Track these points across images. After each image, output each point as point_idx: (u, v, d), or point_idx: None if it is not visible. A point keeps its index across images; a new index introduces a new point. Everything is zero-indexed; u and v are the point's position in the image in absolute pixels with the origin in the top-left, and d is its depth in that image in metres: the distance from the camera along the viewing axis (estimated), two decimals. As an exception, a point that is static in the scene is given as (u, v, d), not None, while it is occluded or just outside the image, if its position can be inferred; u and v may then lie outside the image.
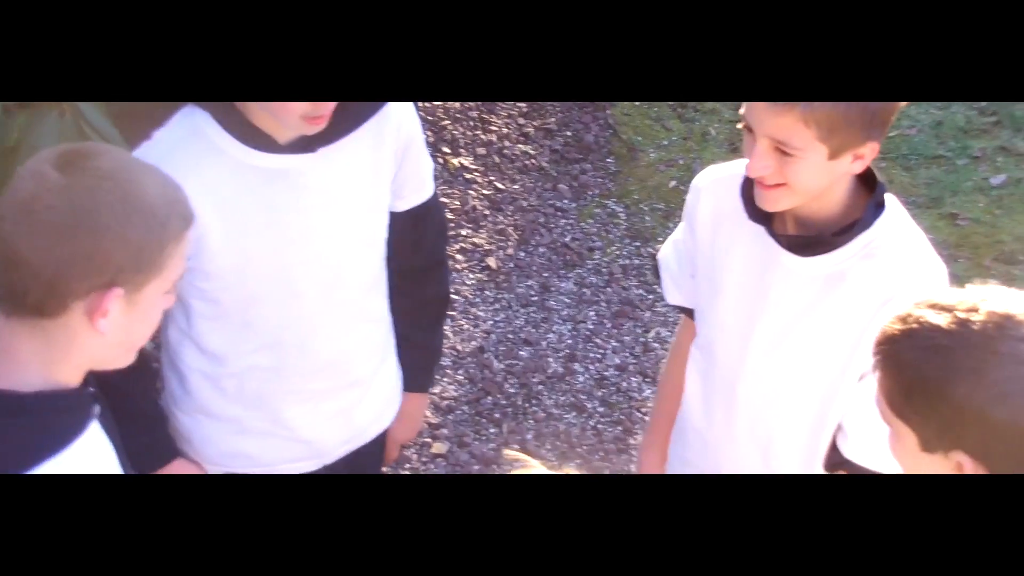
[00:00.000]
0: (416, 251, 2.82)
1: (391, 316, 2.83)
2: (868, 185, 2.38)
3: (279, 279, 2.56)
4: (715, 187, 2.56)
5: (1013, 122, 6.24)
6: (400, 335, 2.88)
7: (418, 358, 2.96)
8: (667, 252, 2.74)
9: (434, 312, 3.00)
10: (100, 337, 1.87)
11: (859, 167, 2.31)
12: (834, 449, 2.48)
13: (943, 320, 1.77)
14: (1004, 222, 5.54)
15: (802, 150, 2.23)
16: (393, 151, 2.62)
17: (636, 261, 5.45)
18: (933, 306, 1.80)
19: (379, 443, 2.93)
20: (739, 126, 2.34)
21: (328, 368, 2.70)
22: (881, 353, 1.84)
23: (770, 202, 2.34)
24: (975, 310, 1.76)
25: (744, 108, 2.28)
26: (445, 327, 5.02)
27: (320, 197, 2.54)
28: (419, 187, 2.77)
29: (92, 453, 1.93)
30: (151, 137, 2.52)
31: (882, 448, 2.40)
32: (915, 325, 1.79)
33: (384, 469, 3.16)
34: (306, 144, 2.49)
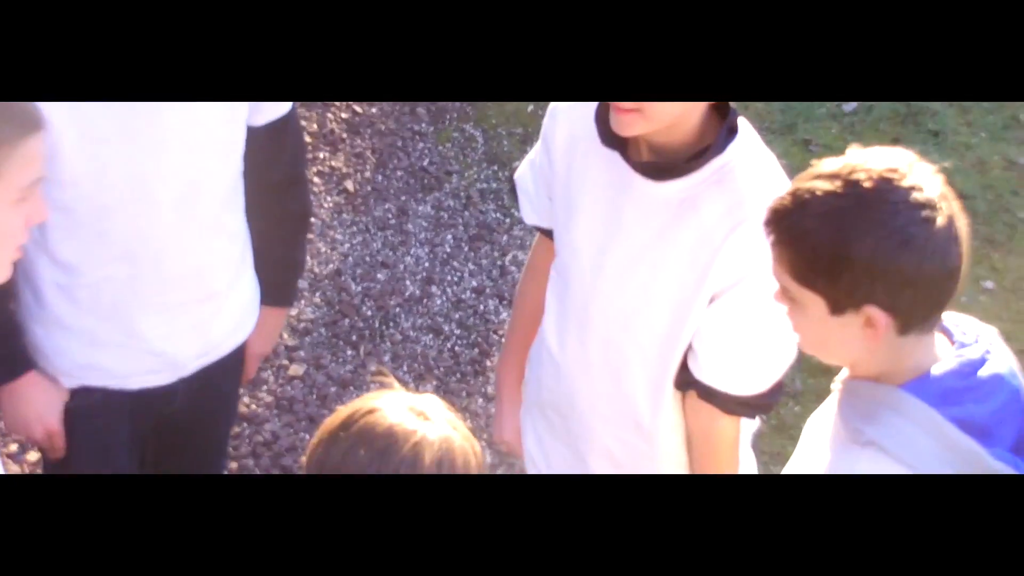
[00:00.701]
0: (274, 166, 2.79)
1: (250, 232, 2.81)
2: (720, 111, 2.40)
3: (134, 189, 2.52)
4: (571, 111, 2.56)
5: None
6: (259, 250, 2.86)
7: (279, 273, 2.96)
8: (524, 173, 2.75)
9: (294, 228, 2.99)
10: None
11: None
12: (684, 369, 2.51)
13: (833, 185, 1.86)
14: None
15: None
16: None
17: (494, 185, 5.45)
18: (818, 176, 1.89)
19: (235, 357, 2.92)
20: None
21: (183, 280, 2.67)
22: (777, 229, 1.92)
23: (625, 127, 2.34)
24: (860, 170, 1.85)
25: None
26: (302, 250, 4.99)
27: (177, 108, 2.50)
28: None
29: None
30: None
31: (731, 368, 2.46)
32: (807, 195, 1.88)
33: (241, 388, 3.14)
34: None
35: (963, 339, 1.97)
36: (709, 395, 2.49)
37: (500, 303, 4.85)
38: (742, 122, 2.42)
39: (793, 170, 2.48)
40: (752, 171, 2.40)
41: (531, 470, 2.86)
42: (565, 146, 2.56)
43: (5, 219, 1.88)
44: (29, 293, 2.67)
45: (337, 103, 5.73)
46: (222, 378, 2.91)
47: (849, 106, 5.86)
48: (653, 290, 2.46)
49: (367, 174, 5.46)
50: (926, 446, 1.87)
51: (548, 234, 2.71)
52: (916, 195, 1.83)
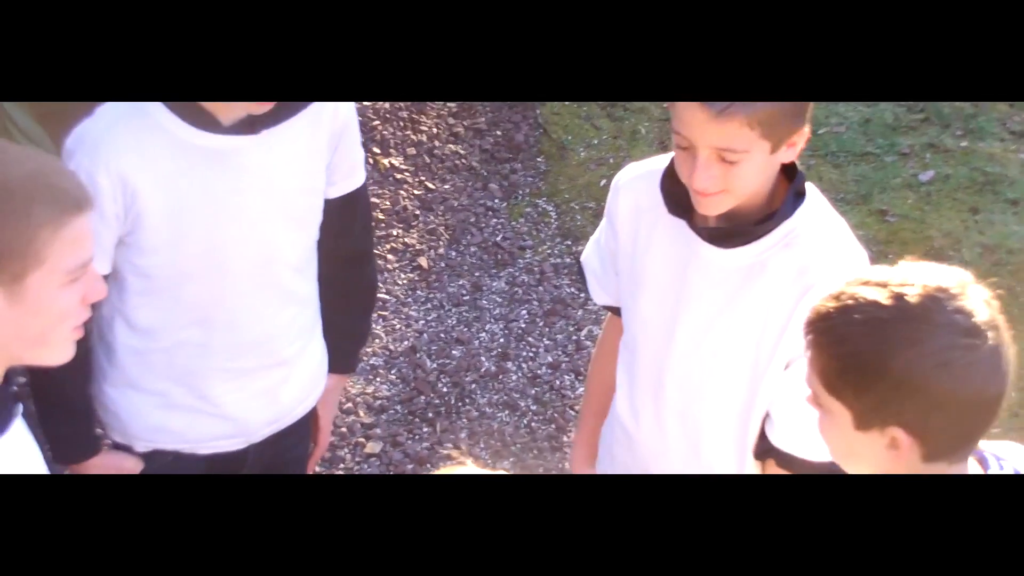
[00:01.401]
0: (345, 238, 2.83)
1: (320, 302, 2.84)
2: (788, 175, 2.39)
3: (212, 257, 2.57)
4: (634, 184, 2.56)
5: (940, 118, 6.29)
6: (328, 320, 2.89)
7: (345, 343, 2.99)
8: (590, 253, 2.75)
9: (362, 300, 3.04)
10: None
11: (792, 155, 2.32)
12: (763, 438, 2.48)
13: (879, 295, 1.79)
14: (932, 218, 5.58)
15: (748, 152, 2.23)
16: (329, 136, 2.65)
17: (567, 260, 5.45)
18: (866, 283, 1.82)
19: (304, 424, 2.94)
20: (675, 143, 2.32)
21: (255, 347, 2.71)
22: (814, 331, 1.86)
23: (714, 207, 2.34)
24: (909, 284, 1.79)
25: (678, 125, 2.26)
26: (377, 327, 5.01)
27: (258, 178, 2.55)
28: (351, 173, 2.79)
29: (15, 453, 1.90)
30: (92, 112, 2.51)
31: (809, 434, 2.42)
32: (850, 301, 1.81)
33: (317, 468, 3.15)
34: (249, 126, 2.50)
35: (996, 471, 1.88)
36: (787, 462, 2.46)
37: (576, 378, 4.83)
38: (809, 186, 2.41)
39: (869, 240, 2.46)
40: (820, 235, 2.39)
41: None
42: (629, 218, 2.55)
43: (56, 302, 1.87)
44: (103, 355, 2.72)
45: (410, 180, 5.77)
46: (291, 445, 2.93)
47: (925, 175, 5.82)
48: (725, 358, 2.44)
49: (440, 250, 5.49)
50: None
51: (618, 312, 2.70)
52: (962, 318, 1.76)
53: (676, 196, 2.43)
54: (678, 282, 2.47)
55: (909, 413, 1.78)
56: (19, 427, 1.92)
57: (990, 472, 1.88)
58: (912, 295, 1.77)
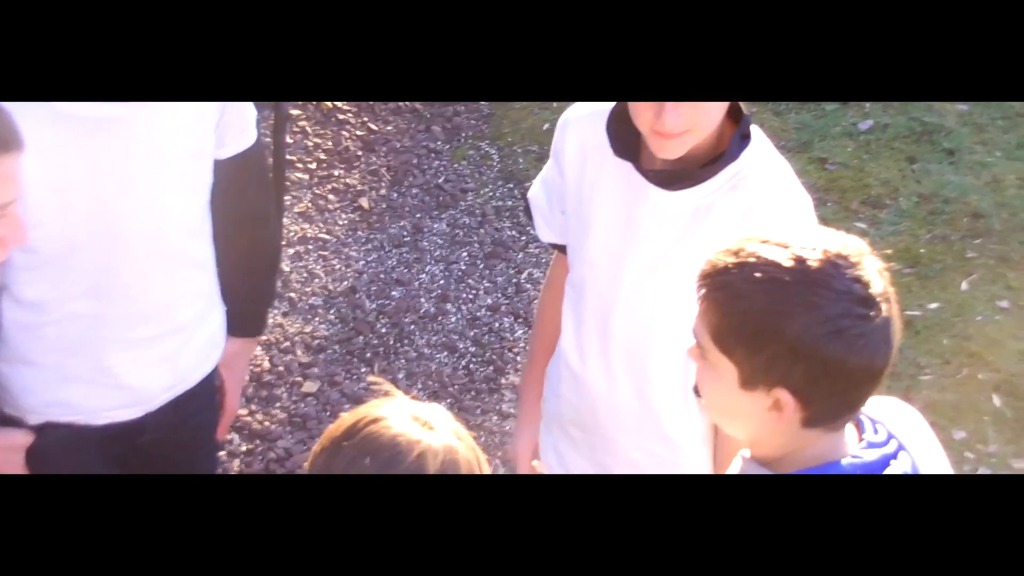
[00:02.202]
0: (241, 199, 2.76)
1: (219, 264, 2.78)
2: (734, 117, 2.39)
3: (102, 226, 2.49)
4: (581, 123, 2.55)
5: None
6: (230, 284, 2.83)
7: (248, 304, 2.94)
8: (537, 190, 2.74)
9: (264, 262, 2.98)
10: None
11: None
12: None
13: (780, 255, 1.76)
14: (871, 166, 5.62)
15: None
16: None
17: (509, 203, 5.45)
18: (766, 242, 1.79)
19: (205, 388, 2.87)
20: None
21: (152, 315, 2.64)
22: (710, 285, 1.82)
23: (678, 149, 2.32)
24: (811, 247, 1.76)
25: None
26: (317, 267, 4.99)
27: (145, 146, 2.48)
28: (241, 133, 2.71)
29: None
30: None
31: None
32: (750, 259, 1.78)
33: (254, 406, 3.12)
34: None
35: (872, 438, 1.87)
36: None
37: (515, 321, 4.84)
38: (754, 129, 2.41)
39: (809, 188, 2.47)
40: (767, 176, 2.39)
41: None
42: (576, 158, 2.55)
43: None
44: None
45: (352, 121, 5.74)
46: (193, 410, 2.86)
47: (865, 124, 5.86)
48: (672, 298, 2.45)
49: (382, 191, 5.47)
50: None
51: (564, 251, 2.70)
52: (859, 287, 1.75)
53: (623, 138, 2.43)
54: (625, 223, 2.47)
55: (798, 377, 1.76)
56: None
57: (864, 436, 1.87)
58: (813, 259, 1.75)
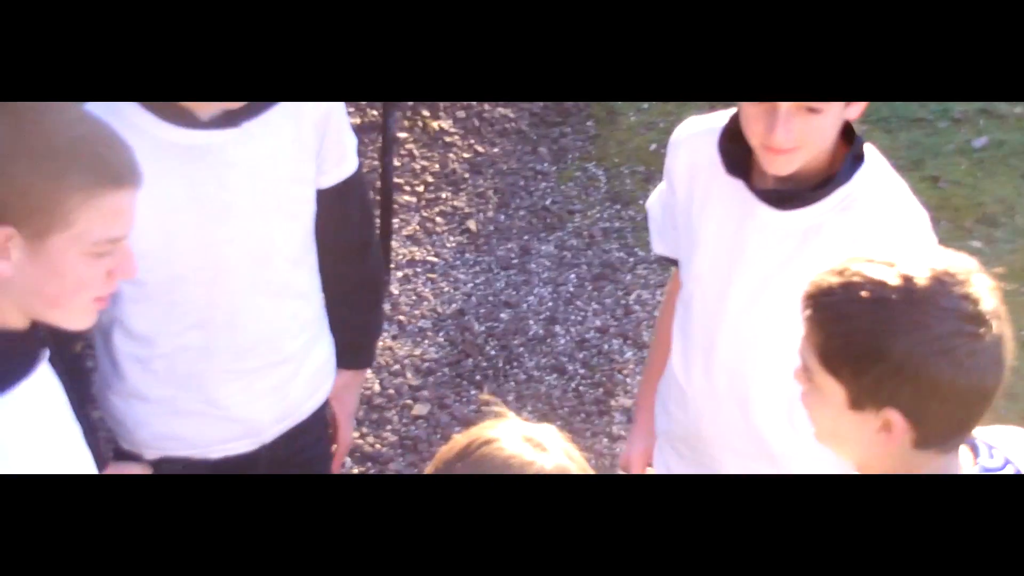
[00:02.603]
0: (343, 228, 2.76)
1: (325, 296, 2.79)
2: (847, 139, 2.37)
3: (204, 257, 2.51)
4: (691, 141, 2.55)
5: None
6: (335, 315, 2.84)
7: (355, 336, 2.93)
8: (654, 201, 2.75)
9: (368, 293, 2.97)
10: (9, 279, 1.82)
11: (857, 112, 2.30)
12: None
13: (885, 274, 1.75)
14: (985, 184, 5.53)
15: (830, 104, 2.21)
16: (313, 123, 2.57)
17: (616, 224, 5.44)
18: (871, 261, 1.78)
19: (317, 420, 2.87)
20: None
21: (258, 345, 2.65)
22: (815, 305, 1.81)
23: (787, 166, 2.31)
24: (918, 266, 1.75)
25: None
26: (426, 290, 5.02)
27: (244, 172, 2.49)
28: (340, 161, 2.71)
29: (40, 395, 1.90)
30: None
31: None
32: (855, 278, 1.77)
33: (348, 449, 3.12)
34: (229, 119, 2.44)
35: (986, 462, 1.84)
36: None
37: (624, 342, 4.83)
38: (869, 149, 2.39)
39: (922, 207, 2.44)
40: (879, 198, 2.37)
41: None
42: (686, 176, 2.55)
43: (76, 268, 1.86)
44: (108, 365, 2.67)
45: (459, 143, 5.77)
46: (305, 443, 2.86)
47: (979, 141, 5.77)
48: (778, 319, 2.43)
49: (489, 214, 5.49)
50: None
51: (677, 264, 2.70)
52: (967, 305, 1.72)
53: (735, 156, 2.42)
54: (733, 242, 2.46)
55: (906, 397, 1.74)
56: (44, 371, 1.93)
57: (979, 460, 1.84)
58: (920, 278, 1.73)
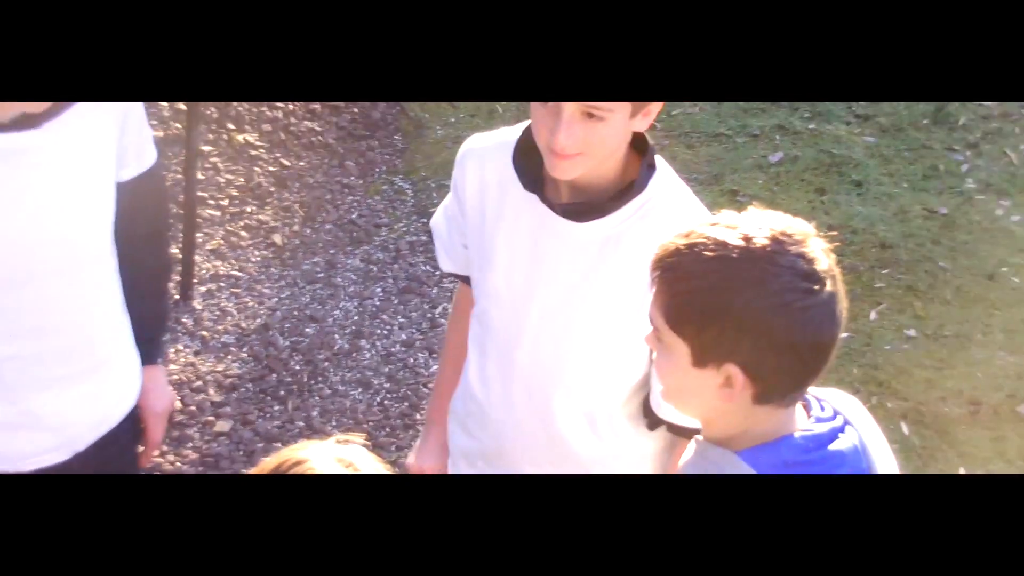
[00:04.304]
0: (139, 219, 2.71)
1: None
2: (640, 148, 2.41)
3: (12, 263, 2.43)
4: (481, 156, 2.55)
5: (789, 101, 6.41)
6: (131, 309, 2.77)
7: (152, 329, 2.87)
8: (439, 220, 2.74)
9: (157, 282, 2.91)
10: None
11: (646, 124, 2.34)
12: (651, 412, 2.51)
13: (728, 235, 1.84)
14: (781, 198, 5.69)
15: (612, 111, 2.24)
16: (113, 118, 2.53)
17: (423, 237, 5.45)
18: (715, 224, 1.87)
19: (127, 427, 2.80)
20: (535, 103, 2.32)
21: (72, 350, 2.58)
22: (661, 267, 1.89)
23: (569, 170, 2.33)
24: (758, 228, 1.84)
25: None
26: (230, 305, 4.96)
27: (49, 173, 2.42)
28: (140, 153, 2.68)
29: None
30: None
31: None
32: (700, 239, 1.85)
33: (158, 449, 3.07)
34: (29, 121, 2.37)
35: (820, 414, 1.94)
36: (678, 431, 2.49)
37: (430, 356, 4.83)
38: (657, 158, 2.43)
39: (720, 220, 2.50)
40: (675, 205, 2.41)
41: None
42: (476, 191, 2.55)
43: None
44: None
45: (264, 156, 5.72)
46: (116, 450, 2.78)
47: (775, 156, 5.93)
48: (580, 330, 2.46)
49: (295, 227, 5.45)
50: None
51: (467, 281, 2.70)
52: (803, 263, 1.82)
53: (529, 171, 2.44)
54: (531, 257, 2.48)
55: (746, 352, 1.82)
56: None
57: (812, 413, 1.93)
58: (759, 238, 1.82)
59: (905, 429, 4.52)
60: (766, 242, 1.82)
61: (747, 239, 1.82)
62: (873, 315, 5.06)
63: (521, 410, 2.58)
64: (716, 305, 1.82)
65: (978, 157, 5.93)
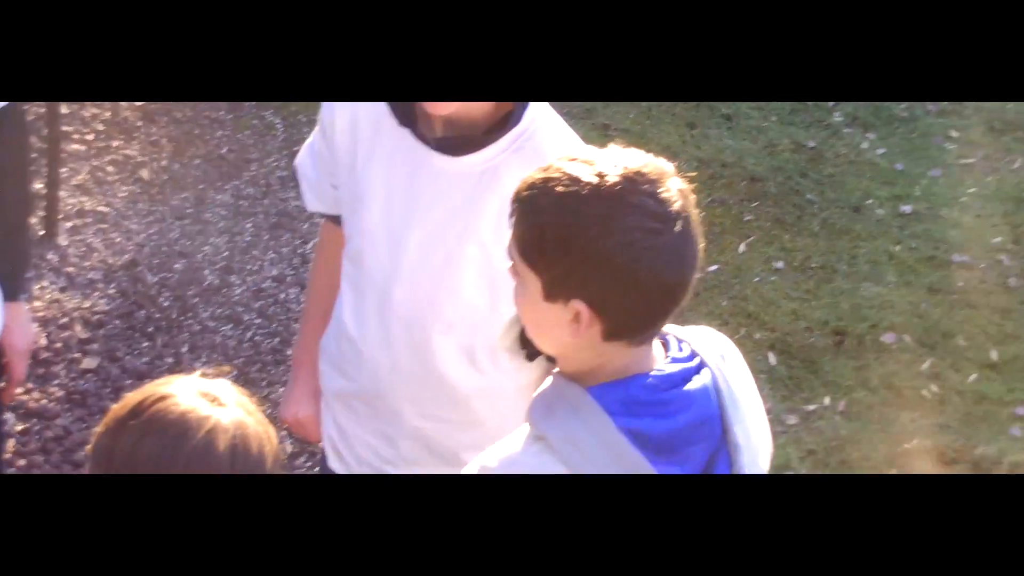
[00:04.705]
0: (3, 152, 2.69)
1: None
2: None
3: None
4: None
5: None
6: None
7: (6, 265, 2.84)
8: (304, 159, 2.71)
9: (18, 217, 2.88)
10: None
11: None
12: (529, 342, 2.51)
13: (582, 171, 1.84)
14: (652, 132, 5.72)
15: None
16: None
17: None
18: (574, 159, 1.87)
19: None
20: None
21: None
22: (517, 199, 1.90)
23: (443, 104, 2.32)
24: (613, 164, 1.84)
25: None
26: (96, 241, 4.87)
27: None
28: None
29: None
30: None
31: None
32: (556, 174, 1.85)
33: (21, 386, 3.02)
34: None
35: (677, 354, 1.95)
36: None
37: (301, 291, 4.80)
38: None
39: (592, 154, 2.51)
40: (551, 137, 2.42)
41: (332, 457, 2.83)
42: (347, 128, 2.52)
43: None
44: None
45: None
46: None
47: (646, 91, 5.96)
48: (459, 264, 2.45)
49: (163, 163, 5.36)
50: (594, 452, 1.85)
51: (334, 220, 2.68)
52: (652, 203, 1.82)
53: (402, 106, 2.42)
54: (406, 194, 2.47)
55: (592, 288, 1.83)
56: None
57: (670, 353, 1.95)
58: (611, 175, 1.82)
59: (772, 359, 4.60)
60: (617, 179, 1.82)
61: (600, 176, 1.82)
62: (742, 247, 5.12)
63: (399, 348, 2.57)
64: (564, 240, 1.83)
65: (844, 91, 6.03)
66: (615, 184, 1.82)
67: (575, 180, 1.83)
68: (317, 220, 5.09)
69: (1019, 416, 4.37)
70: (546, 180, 1.86)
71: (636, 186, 1.82)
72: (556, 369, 1.98)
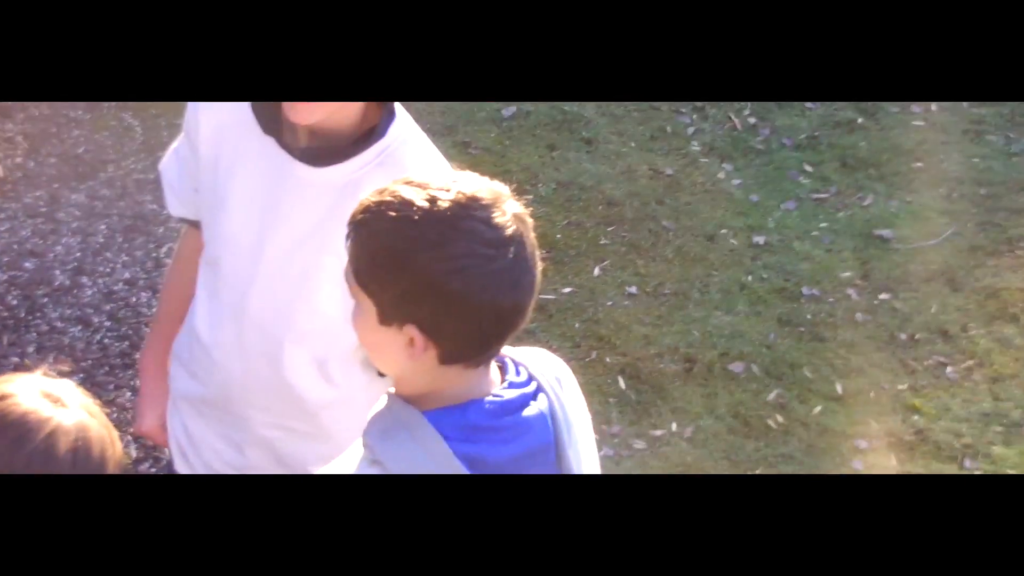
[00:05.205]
0: None
1: None
2: None
3: None
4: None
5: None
6: None
7: None
8: (169, 163, 2.69)
9: None
10: None
11: None
12: None
13: (416, 195, 1.83)
14: (512, 152, 5.76)
15: None
16: None
17: (151, 176, 5.32)
18: (409, 183, 1.86)
19: None
20: None
21: None
22: (354, 223, 1.89)
23: (307, 115, 2.33)
24: (446, 189, 1.83)
25: None
26: (-57, 236, 4.77)
27: None
28: None
29: None
30: None
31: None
32: (390, 198, 1.85)
33: None
34: None
35: (514, 379, 1.96)
36: None
37: (153, 295, 4.75)
38: (398, 107, 2.45)
39: (453, 172, 2.53)
40: (414, 152, 2.44)
41: (180, 463, 2.81)
42: (211, 134, 2.51)
43: None
44: None
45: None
46: None
47: (508, 110, 5.99)
48: (316, 274, 2.46)
49: (18, 159, 5.27)
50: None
51: (196, 225, 2.67)
52: (485, 229, 1.82)
53: (268, 114, 2.42)
54: (267, 201, 2.46)
55: (425, 313, 1.83)
56: None
57: (507, 377, 1.95)
58: (444, 200, 1.82)
59: (622, 383, 4.65)
60: (449, 204, 1.82)
61: (432, 200, 1.82)
62: (596, 271, 5.18)
63: (252, 356, 2.57)
64: (396, 265, 1.82)
65: (703, 120, 6.11)
66: (447, 209, 1.81)
67: (408, 204, 1.82)
68: (173, 224, 5.04)
69: (861, 449, 4.46)
70: (380, 204, 1.85)
71: (469, 211, 1.82)
72: (391, 389, 1.97)
